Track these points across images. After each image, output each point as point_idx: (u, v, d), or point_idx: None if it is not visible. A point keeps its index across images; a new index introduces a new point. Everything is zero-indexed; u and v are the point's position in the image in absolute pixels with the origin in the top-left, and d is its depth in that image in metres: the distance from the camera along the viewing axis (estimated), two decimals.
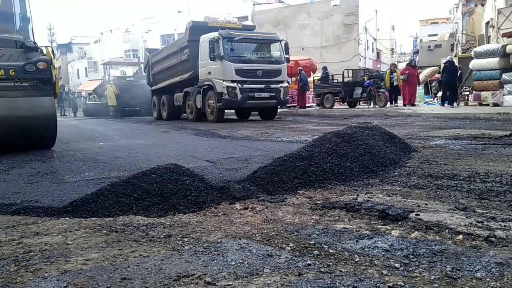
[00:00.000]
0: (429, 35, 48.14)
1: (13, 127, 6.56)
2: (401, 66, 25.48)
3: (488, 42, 21.83)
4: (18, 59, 7.12)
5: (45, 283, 1.89)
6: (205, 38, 14.26)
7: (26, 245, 2.44)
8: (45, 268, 2.08)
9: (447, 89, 16.53)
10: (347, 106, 19.82)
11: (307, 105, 21.66)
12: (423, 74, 25.39)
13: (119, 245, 2.40)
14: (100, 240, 2.50)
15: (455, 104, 16.20)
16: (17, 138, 6.73)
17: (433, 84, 25.29)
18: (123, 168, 5.06)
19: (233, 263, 2.11)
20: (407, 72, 17.72)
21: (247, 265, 2.08)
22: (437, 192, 3.32)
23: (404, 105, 17.71)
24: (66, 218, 2.97)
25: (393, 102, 18.57)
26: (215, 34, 13.67)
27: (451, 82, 16.33)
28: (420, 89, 23.79)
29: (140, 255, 2.25)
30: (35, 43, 7.95)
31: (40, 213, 3.12)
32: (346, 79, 20.29)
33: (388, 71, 19.19)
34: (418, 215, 2.71)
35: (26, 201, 3.46)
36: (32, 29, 9.13)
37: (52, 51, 7.92)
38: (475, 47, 20.57)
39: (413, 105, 17.69)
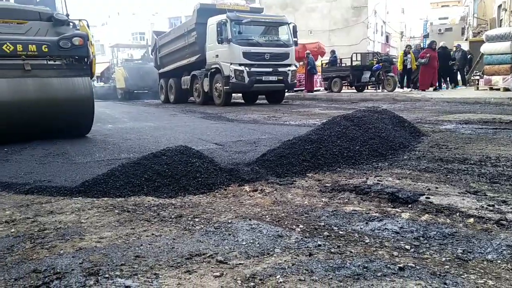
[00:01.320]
0: (439, 18, 47.40)
1: (45, 111, 5.77)
2: (401, 51, 25.08)
3: (500, 26, 21.45)
4: (47, 33, 6.35)
5: (61, 259, 1.93)
6: (212, 21, 14.15)
7: (40, 223, 2.48)
8: (60, 245, 2.12)
9: (443, 75, 17.34)
10: (355, 90, 19.67)
11: (315, 89, 21.53)
12: None
13: (131, 224, 2.44)
14: (112, 219, 2.53)
15: (454, 87, 16.72)
16: (49, 124, 5.93)
17: None
18: (133, 150, 5.10)
19: (244, 243, 2.14)
20: (428, 55, 16.33)
21: (258, 245, 2.11)
22: (448, 176, 3.31)
23: (423, 90, 16.38)
24: (79, 198, 3.01)
25: (409, 86, 17.77)
26: (222, 16, 13.55)
27: (445, 68, 17.18)
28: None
29: (152, 234, 2.28)
30: (67, 15, 7.07)
31: (53, 192, 3.16)
32: (354, 63, 20.10)
33: (402, 52, 18.26)
34: (429, 198, 2.71)
35: (39, 181, 3.51)
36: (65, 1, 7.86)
37: (87, 25, 6.91)
38: (486, 30, 20.23)
39: (435, 89, 16.63)
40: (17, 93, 5.53)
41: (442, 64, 16.93)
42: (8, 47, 5.51)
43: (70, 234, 2.28)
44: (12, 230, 2.37)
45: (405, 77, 18.14)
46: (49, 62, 5.85)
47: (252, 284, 1.67)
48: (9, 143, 5.54)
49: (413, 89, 17.22)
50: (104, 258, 1.95)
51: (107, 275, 1.76)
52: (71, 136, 6.19)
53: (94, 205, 2.83)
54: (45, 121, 5.83)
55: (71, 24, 6.82)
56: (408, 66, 17.57)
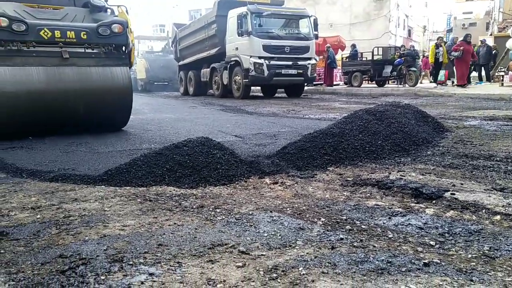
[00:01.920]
0: (463, 13, 46.35)
1: (82, 103, 5.42)
2: (433, 44, 24.44)
3: None
4: (84, 20, 6.06)
5: (86, 246, 1.96)
6: (233, 13, 14.12)
7: (65, 210, 2.53)
8: (85, 232, 2.16)
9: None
10: (375, 85, 19.44)
11: (334, 83, 21.34)
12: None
13: (153, 213, 2.46)
14: (135, 208, 2.56)
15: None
16: (86, 116, 5.55)
17: None
18: (154, 140, 5.14)
19: (265, 234, 2.14)
20: (461, 48, 15.27)
21: (280, 237, 2.10)
22: (473, 172, 3.25)
23: (459, 85, 15.52)
24: (102, 186, 3.06)
25: (435, 80, 17.28)
26: (243, 9, 13.51)
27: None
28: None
29: (175, 223, 2.30)
30: (106, 0, 6.67)
31: (77, 180, 3.21)
32: (375, 57, 19.84)
33: (433, 45, 17.40)
34: (454, 194, 2.66)
35: (63, 169, 3.57)
36: None
37: (127, 11, 6.36)
38: None
39: (463, 85, 15.41)
40: (54, 83, 5.22)
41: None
42: (45, 33, 5.20)
43: (94, 221, 2.32)
44: (38, 216, 2.42)
45: (438, 70, 17.43)
46: (87, 50, 5.54)
47: (274, 275, 1.67)
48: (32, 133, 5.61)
49: (440, 85, 16.74)
50: (128, 245, 1.97)
51: (131, 262, 1.78)
52: (106, 130, 5.86)
53: (117, 193, 2.86)
54: (81, 114, 5.50)
55: (108, 10, 6.47)
56: (440, 59, 16.77)
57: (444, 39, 20.38)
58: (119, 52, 5.81)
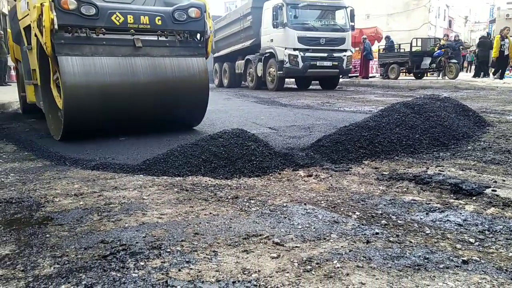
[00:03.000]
0: (507, 3, 44.23)
1: (154, 99, 4.80)
2: (474, 35, 23.41)
3: None
4: (156, 3, 5.42)
5: (126, 232, 2.03)
6: (268, 5, 14.07)
7: (106, 197, 2.62)
8: (125, 219, 2.23)
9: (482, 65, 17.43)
10: (413, 77, 18.93)
11: (370, 75, 20.93)
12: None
13: (190, 203, 2.52)
14: (172, 197, 2.63)
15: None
16: (158, 113, 4.95)
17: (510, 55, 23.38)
18: (190, 131, 5.22)
19: (299, 226, 2.15)
20: None
21: (314, 229, 2.11)
22: None
23: None
24: (140, 175, 3.14)
25: (487, 74, 16.44)
26: (279, 0, 13.43)
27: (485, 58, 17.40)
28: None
29: (210, 213, 2.34)
30: None
31: (117, 169, 3.32)
32: (414, 49, 19.29)
33: (498, 36, 16.24)
34: (495, 191, 2.58)
35: (104, 158, 3.70)
36: None
37: None
38: None
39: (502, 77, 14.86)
40: (126, 76, 4.59)
41: (482, 54, 17.15)
42: (117, 18, 4.54)
43: (134, 209, 2.39)
44: (81, 203, 2.52)
45: (501, 65, 16.39)
46: (160, 38, 4.88)
47: (309, 267, 1.68)
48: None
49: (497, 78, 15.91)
50: (166, 233, 2.03)
51: (168, 250, 1.83)
52: (179, 128, 5.31)
53: (154, 183, 2.94)
54: (153, 110, 4.88)
55: None
56: (506, 53, 15.78)
57: (487, 31, 19.50)
58: (195, 41, 5.13)
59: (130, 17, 4.61)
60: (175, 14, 4.86)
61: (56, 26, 4.13)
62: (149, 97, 4.75)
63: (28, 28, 5.07)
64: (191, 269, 1.67)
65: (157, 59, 4.81)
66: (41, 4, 4.14)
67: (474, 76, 15.78)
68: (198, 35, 5.17)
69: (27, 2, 4.79)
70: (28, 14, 4.86)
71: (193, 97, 5.09)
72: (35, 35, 4.56)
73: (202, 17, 5.01)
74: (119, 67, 4.57)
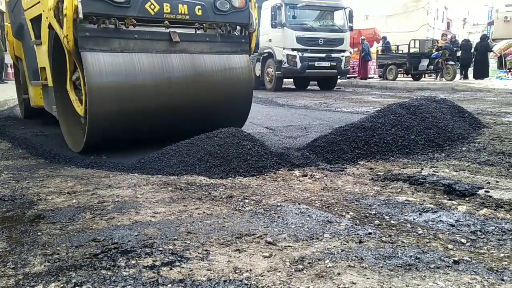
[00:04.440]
0: (506, 5, 44.28)
1: (192, 101, 4.15)
2: (472, 37, 23.42)
3: None
4: None
5: (118, 231, 2.03)
6: (267, 5, 14.08)
7: (99, 196, 2.62)
8: (118, 217, 2.23)
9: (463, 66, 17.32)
10: (411, 79, 18.95)
11: (369, 76, 20.95)
12: (497, 47, 23.55)
13: (183, 202, 2.51)
14: (166, 196, 2.62)
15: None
16: (197, 117, 4.28)
17: (508, 58, 23.45)
18: None
19: (293, 226, 2.15)
20: None
21: (307, 229, 2.11)
22: (510, 170, 3.13)
23: None
24: (135, 174, 3.14)
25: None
26: (277, 0, 13.43)
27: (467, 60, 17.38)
28: (492, 63, 22.10)
29: (204, 212, 2.34)
30: None
31: (111, 167, 3.32)
32: (412, 50, 19.31)
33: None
34: (488, 192, 2.59)
35: (98, 156, 3.68)
36: None
37: None
38: None
39: None
40: (160, 75, 3.92)
41: (463, 57, 17.07)
42: (152, 7, 3.85)
43: (127, 207, 2.39)
44: (74, 201, 2.52)
45: None
46: (198, 32, 4.23)
47: (300, 266, 1.68)
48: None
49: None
50: (158, 232, 2.03)
51: (160, 248, 1.83)
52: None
53: (149, 181, 2.94)
54: (191, 114, 4.25)
55: None
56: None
57: (485, 32, 19.50)
58: (238, 35, 4.48)
59: (166, 6, 3.92)
60: (217, 3, 4.18)
61: (80, 15, 3.46)
62: (187, 100, 4.12)
63: (36, 20, 4.50)
64: (183, 268, 1.66)
65: (196, 56, 4.16)
66: None
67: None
68: (239, 28, 4.52)
69: None
70: (38, 2, 4.28)
71: (236, 99, 4.49)
72: (49, 26, 3.90)
73: (247, 7, 4.35)
74: (153, 65, 3.90)
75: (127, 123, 3.88)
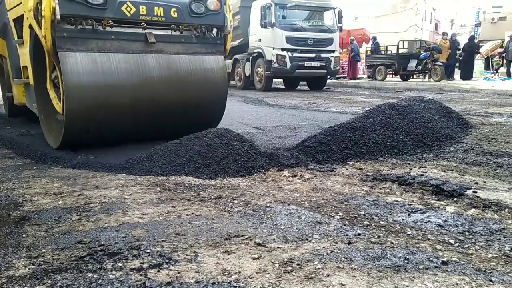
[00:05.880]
0: (493, 7, 44.86)
1: (168, 101, 4.24)
2: (460, 38, 23.59)
3: None
4: None
5: (105, 232, 2.00)
6: (256, 4, 14.06)
7: (86, 197, 2.58)
8: (105, 219, 2.20)
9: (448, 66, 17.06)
10: (399, 79, 19.08)
11: (358, 76, 21.05)
12: (485, 48, 23.82)
13: (172, 203, 2.49)
14: (154, 196, 2.59)
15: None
16: (172, 116, 4.35)
17: (495, 59, 23.73)
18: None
19: (282, 227, 2.14)
20: None
21: (296, 230, 2.10)
22: (497, 170, 3.16)
23: None
24: (123, 174, 3.10)
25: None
26: (267, 0, 13.42)
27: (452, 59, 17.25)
28: (480, 64, 22.36)
29: (192, 213, 2.32)
30: None
31: (99, 168, 3.27)
32: (400, 51, 19.45)
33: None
34: (476, 192, 2.60)
35: (86, 156, 3.64)
36: None
37: None
38: None
39: None
40: (137, 75, 4.04)
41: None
42: (128, 9, 3.98)
43: (114, 208, 2.36)
44: (60, 202, 2.48)
45: None
46: (173, 33, 4.36)
47: (289, 268, 1.67)
48: None
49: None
50: (146, 233, 2.00)
51: (148, 250, 1.81)
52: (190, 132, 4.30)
53: (137, 182, 2.90)
54: (169, 115, 4.32)
55: None
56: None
57: (473, 34, 19.62)
58: (213, 37, 4.63)
59: (142, 8, 4.05)
60: (192, 5, 4.32)
61: (58, 16, 3.57)
62: (163, 99, 4.22)
63: (19, 19, 4.57)
64: (171, 270, 1.64)
65: (172, 56, 4.28)
66: None
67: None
68: (215, 31, 4.67)
69: None
70: (20, 3, 4.34)
71: (211, 98, 4.60)
72: (30, 26, 3.99)
73: (221, 9, 4.50)
74: (129, 65, 4.02)
75: (104, 121, 3.94)
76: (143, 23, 4.12)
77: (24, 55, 4.62)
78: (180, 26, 4.33)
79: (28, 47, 4.33)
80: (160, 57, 4.19)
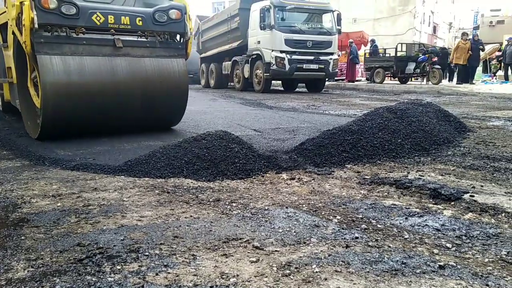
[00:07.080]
0: (491, 10, 45.04)
1: (134, 99, 4.81)
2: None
3: None
4: (136, 4, 5.42)
5: (103, 235, 2.01)
6: (256, 7, 14.08)
7: (85, 199, 2.58)
8: (103, 221, 2.20)
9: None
10: (398, 82, 19.12)
11: (356, 79, 21.08)
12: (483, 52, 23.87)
13: (170, 205, 2.50)
14: (153, 199, 2.60)
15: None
16: (137, 114, 4.92)
17: (493, 62, 23.80)
18: (173, 133, 5.19)
19: (280, 230, 2.15)
20: None
21: (294, 233, 2.11)
22: (494, 174, 3.18)
23: None
24: (121, 177, 3.11)
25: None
26: (266, 2, 13.45)
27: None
28: (478, 68, 22.38)
29: (191, 216, 2.33)
30: None
31: (98, 170, 3.28)
32: (399, 54, 19.50)
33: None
34: (473, 196, 2.62)
35: (85, 158, 3.64)
36: None
37: None
38: None
39: None
40: (106, 75, 4.59)
41: (442, 62, 17.17)
42: (98, 18, 4.52)
43: (113, 211, 2.36)
44: (58, 204, 2.48)
45: None
46: (140, 39, 4.90)
47: (287, 271, 1.67)
48: None
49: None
50: (144, 236, 2.01)
51: (146, 253, 1.81)
52: (157, 129, 5.25)
53: (135, 184, 2.91)
54: (133, 111, 4.86)
55: None
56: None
57: (471, 36, 19.57)
58: (175, 42, 5.19)
59: (110, 17, 4.62)
60: (155, 15, 4.89)
61: (36, 25, 4.11)
62: (129, 97, 4.76)
63: (3, 26, 5.10)
64: (169, 273, 1.65)
65: (137, 59, 4.84)
66: (21, 2, 4.11)
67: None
68: (178, 37, 5.23)
69: (5, 0, 4.80)
70: (5, 12, 4.85)
71: (173, 98, 5.13)
72: (13, 33, 4.53)
73: (182, 18, 5.06)
74: (99, 66, 4.57)
75: (77, 116, 4.49)
76: (112, 30, 4.67)
77: (9, 57, 5.16)
78: (146, 33, 4.88)
79: (12, 50, 4.87)
80: (127, 60, 4.76)
